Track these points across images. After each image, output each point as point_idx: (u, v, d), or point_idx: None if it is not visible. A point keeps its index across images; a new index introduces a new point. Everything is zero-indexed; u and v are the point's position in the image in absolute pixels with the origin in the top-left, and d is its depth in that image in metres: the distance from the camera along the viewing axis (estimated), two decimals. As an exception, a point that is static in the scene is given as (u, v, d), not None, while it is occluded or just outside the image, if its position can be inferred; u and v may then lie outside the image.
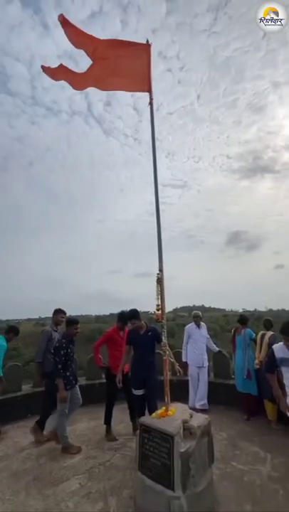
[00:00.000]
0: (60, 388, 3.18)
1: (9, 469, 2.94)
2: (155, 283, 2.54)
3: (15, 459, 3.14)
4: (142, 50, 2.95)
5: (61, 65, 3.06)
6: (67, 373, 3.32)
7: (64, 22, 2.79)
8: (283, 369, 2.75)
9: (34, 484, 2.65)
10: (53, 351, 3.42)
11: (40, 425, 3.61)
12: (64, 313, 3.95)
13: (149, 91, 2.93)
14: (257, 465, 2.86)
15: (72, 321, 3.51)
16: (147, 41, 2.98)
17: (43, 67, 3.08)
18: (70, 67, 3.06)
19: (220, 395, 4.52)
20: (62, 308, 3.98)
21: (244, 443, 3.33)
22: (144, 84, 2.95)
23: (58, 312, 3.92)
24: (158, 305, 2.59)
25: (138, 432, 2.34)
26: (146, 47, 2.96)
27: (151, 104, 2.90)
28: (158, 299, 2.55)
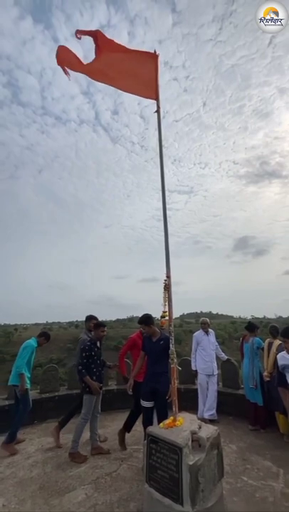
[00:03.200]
0: (90, 383, 3.24)
1: (15, 477, 2.92)
2: (162, 289, 2.53)
3: (21, 467, 3.12)
4: (150, 60, 3.02)
5: (75, 56, 3.07)
6: (94, 378, 3.35)
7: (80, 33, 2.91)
8: (287, 376, 2.66)
9: (40, 493, 2.62)
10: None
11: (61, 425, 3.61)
12: (96, 319, 4.03)
13: (156, 99, 2.98)
14: (269, 481, 2.74)
15: (99, 324, 3.61)
16: (154, 51, 3.05)
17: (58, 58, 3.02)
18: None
19: (229, 405, 4.40)
20: (93, 314, 4.05)
21: (255, 456, 3.21)
22: (152, 92, 3.00)
23: (90, 319, 4.01)
24: (164, 311, 2.56)
25: (145, 442, 2.29)
26: (154, 57, 3.03)
27: (158, 112, 2.94)
28: (165, 305, 2.53)
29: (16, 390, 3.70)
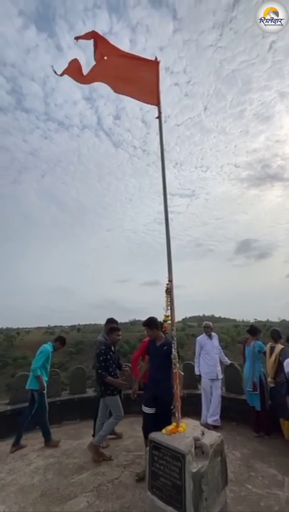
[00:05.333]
0: (113, 381, 3.31)
1: (17, 484, 2.89)
2: (164, 293, 2.52)
3: (22, 473, 3.09)
4: (151, 66, 3.06)
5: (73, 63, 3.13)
6: None
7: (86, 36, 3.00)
8: None
9: (42, 500, 2.59)
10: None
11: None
12: (116, 322, 4.04)
13: (158, 104, 3.01)
14: (274, 489, 2.68)
15: (115, 328, 3.67)
16: (156, 58, 3.09)
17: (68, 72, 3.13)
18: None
19: (232, 411, 4.34)
20: (114, 318, 4.05)
21: (259, 464, 3.15)
22: (153, 97, 3.03)
23: (110, 322, 4.02)
24: (167, 316, 2.55)
25: (148, 448, 2.25)
26: (155, 63, 3.07)
27: (159, 117, 2.97)
28: (167, 309, 2.51)
29: (34, 393, 3.80)
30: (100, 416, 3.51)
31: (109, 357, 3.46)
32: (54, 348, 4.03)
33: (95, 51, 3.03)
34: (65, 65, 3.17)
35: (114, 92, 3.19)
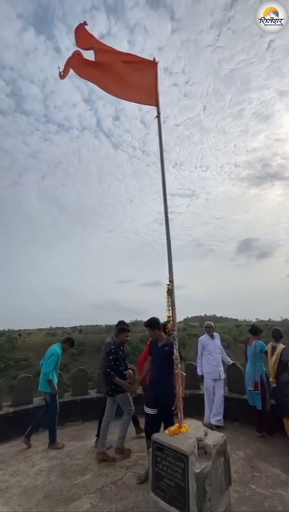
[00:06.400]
0: (121, 383, 3.37)
1: (20, 486, 2.89)
2: (166, 294, 2.51)
3: (26, 475, 3.09)
4: (149, 67, 3.06)
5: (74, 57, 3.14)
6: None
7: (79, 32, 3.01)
8: None
9: (45, 502, 2.59)
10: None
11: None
12: (126, 324, 4.11)
13: (157, 105, 3.01)
14: (278, 489, 2.67)
15: (124, 329, 3.76)
16: (154, 59, 3.09)
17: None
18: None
19: (235, 411, 4.33)
20: (123, 320, 4.15)
21: (263, 464, 3.14)
22: (152, 98, 3.03)
23: (121, 323, 4.07)
24: (169, 316, 2.54)
25: (150, 449, 2.25)
26: (154, 64, 3.07)
27: (158, 117, 2.97)
28: (169, 310, 2.51)
29: (46, 395, 3.90)
30: (106, 415, 3.51)
31: (118, 356, 3.53)
32: (63, 349, 4.07)
33: (95, 56, 3.04)
34: (66, 67, 3.17)
35: (112, 95, 3.20)
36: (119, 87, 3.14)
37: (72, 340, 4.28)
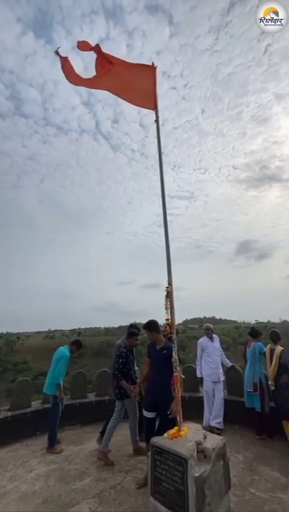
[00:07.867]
0: (126, 386, 3.36)
1: (18, 491, 2.86)
2: (164, 297, 2.52)
3: (24, 480, 3.06)
4: (148, 71, 3.10)
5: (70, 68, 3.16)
6: (129, 382, 3.46)
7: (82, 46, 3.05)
8: None
9: (43, 507, 2.56)
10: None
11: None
12: (136, 328, 4.12)
13: (155, 109, 3.05)
14: (278, 492, 2.66)
15: (133, 333, 3.78)
16: (153, 64, 3.13)
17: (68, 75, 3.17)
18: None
19: (234, 414, 4.31)
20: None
21: (263, 467, 3.12)
22: (150, 102, 3.07)
23: (131, 327, 4.08)
24: (167, 319, 2.54)
25: (149, 453, 2.24)
26: (152, 69, 3.11)
27: (157, 121, 3.00)
28: (167, 313, 2.51)
29: (50, 397, 3.89)
30: (115, 417, 3.49)
31: (129, 360, 3.55)
32: (71, 351, 4.07)
33: (96, 64, 3.08)
34: (62, 70, 3.20)
35: (112, 93, 3.23)
36: (119, 88, 3.18)
37: (80, 343, 4.28)
